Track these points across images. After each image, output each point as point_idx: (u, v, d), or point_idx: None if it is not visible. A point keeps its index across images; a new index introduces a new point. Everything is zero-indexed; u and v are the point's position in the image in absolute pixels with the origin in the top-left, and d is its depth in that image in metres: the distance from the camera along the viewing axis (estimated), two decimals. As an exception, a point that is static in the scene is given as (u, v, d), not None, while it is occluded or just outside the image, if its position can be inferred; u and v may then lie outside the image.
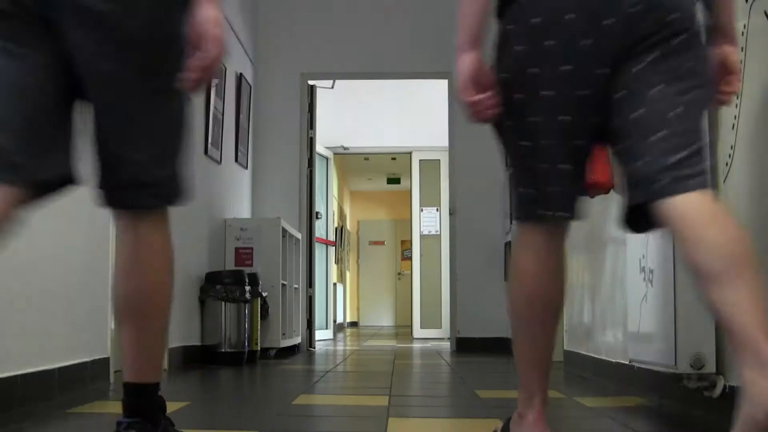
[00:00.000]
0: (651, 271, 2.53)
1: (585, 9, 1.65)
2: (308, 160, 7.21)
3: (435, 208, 9.90)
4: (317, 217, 7.59)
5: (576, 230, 4.57)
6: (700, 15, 1.68)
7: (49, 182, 1.61)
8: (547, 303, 1.82)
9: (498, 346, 6.91)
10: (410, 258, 10.52)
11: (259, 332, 5.37)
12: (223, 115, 5.76)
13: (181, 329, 4.72)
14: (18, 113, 1.56)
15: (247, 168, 6.79)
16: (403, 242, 15.83)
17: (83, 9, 1.53)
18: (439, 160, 9.75)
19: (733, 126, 2.20)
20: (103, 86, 1.60)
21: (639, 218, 1.71)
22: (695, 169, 1.64)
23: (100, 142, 1.64)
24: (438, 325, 9.70)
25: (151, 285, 1.74)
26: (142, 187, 1.68)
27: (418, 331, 9.90)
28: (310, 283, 7.25)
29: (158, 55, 1.61)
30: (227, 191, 6.05)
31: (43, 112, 1.58)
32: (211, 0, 1.61)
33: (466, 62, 1.76)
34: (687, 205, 1.59)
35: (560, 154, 1.78)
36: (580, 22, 1.65)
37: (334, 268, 10.95)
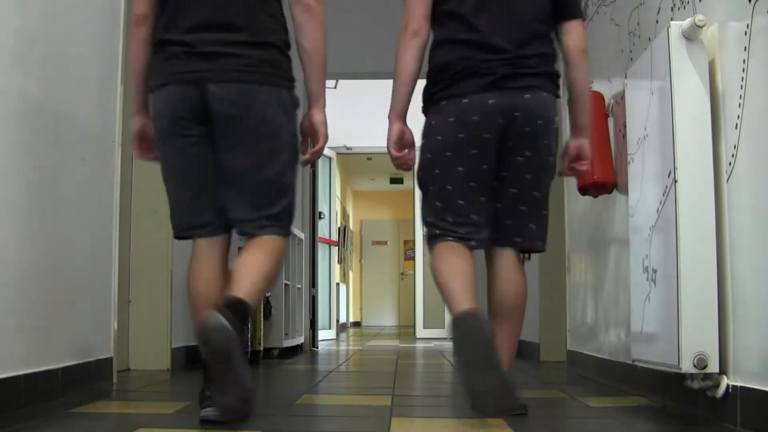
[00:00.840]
0: (654, 271, 2.53)
1: (488, 113, 2.46)
2: (311, 160, 7.16)
3: (438, 208, 9.88)
4: (320, 217, 7.59)
5: (579, 230, 4.60)
6: (555, 123, 2.57)
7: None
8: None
9: (501, 346, 6.91)
10: (413, 258, 10.52)
11: (262, 332, 5.37)
12: (225, 115, 5.76)
13: (184, 329, 4.72)
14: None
15: (249, 168, 6.77)
16: (405, 242, 15.84)
17: (221, 115, 2.32)
18: None
19: (736, 126, 2.20)
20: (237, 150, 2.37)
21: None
22: (538, 235, 2.61)
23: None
24: (441, 325, 9.70)
25: (266, 262, 2.34)
26: (265, 209, 2.40)
27: (420, 331, 9.90)
28: (313, 283, 7.25)
29: (266, 131, 2.36)
30: (230, 191, 6.04)
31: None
32: (322, 107, 2.51)
33: (393, 130, 2.62)
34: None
35: (472, 189, 2.55)
36: (484, 122, 2.47)
37: (337, 268, 10.95)
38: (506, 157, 2.51)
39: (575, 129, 2.68)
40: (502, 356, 2.36)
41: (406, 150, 2.65)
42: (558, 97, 2.59)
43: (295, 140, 2.46)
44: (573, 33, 2.58)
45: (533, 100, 2.49)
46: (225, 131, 2.33)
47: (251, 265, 2.30)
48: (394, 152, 2.63)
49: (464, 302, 2.35)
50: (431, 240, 2.60)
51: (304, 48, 2.48)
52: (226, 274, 2.40)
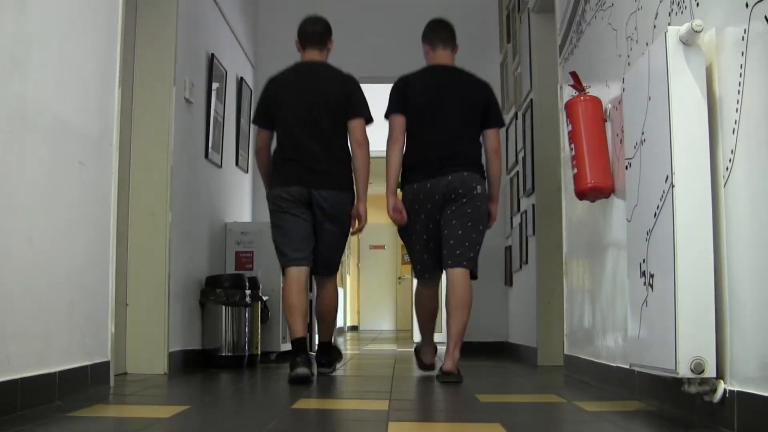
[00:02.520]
0: (651, 276, 2.53)
1: (427, 192, 4.10)
2: (309, 164, 7.18)
3: (435, 212, 9.86)
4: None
5: (577, 235, 4.60)
6: (478, 190, 4.10)
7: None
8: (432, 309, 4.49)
9: (498, 351, 6.91)
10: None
11: (259, 336, 5.37)
12: (223, 118, 5.76)
13: (182, 333, 4.72)
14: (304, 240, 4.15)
15: (247, 172, 6.79)
16: (403, 246, 15.80)
17: (319, 206, 4.10)
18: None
19: (733, 131, 2.21)
20: (322, 226, 4.16)
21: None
22: (466, 259, 4.12)
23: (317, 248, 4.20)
24: (438, 330, 9.67)
25: (331, 304, 4.37)
26: (328, 266, 4.27)
27: (418, 336, 9.86)
28: (310, 287, 7.22)
29: (341, 219, 4.18)
30: (228, 195, 6.05)
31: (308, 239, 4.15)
32: (364, 202, 4.18)
33: (389, 203, 4.18)
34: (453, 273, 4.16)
35: (428, 244, 4.23)
36: (426, 198, 4.12)
37: (334, 272, 10.89)
38: (444, 219, 4.13)
39: (489, 196, 4.27)
40: (452, 343, 4.21)
41: (400, 213, 4.18)
42: (483, 176, 4.19)
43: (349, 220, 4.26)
44: (489, 138, 4.24)
45: (454, 179, 4.08)
46: (322, 215, 4.13)
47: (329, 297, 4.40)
48: (392, 216, 4.20)
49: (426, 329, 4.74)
50: (415, 275, 4.48)
51: (356, 167, 4.18)
52: (306, 287, 4.14)
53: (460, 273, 4.10)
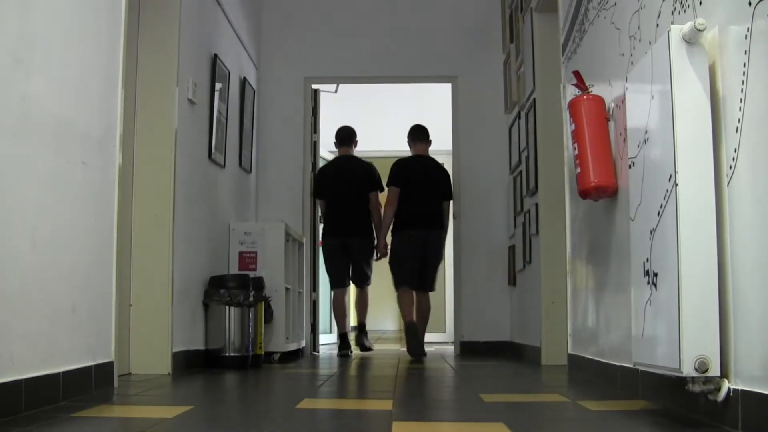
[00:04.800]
0: (655, 275, 2.53)
1: (415, 239, 6.51)
2: (312, 164, 7.22)
3: (439, 212, 9.85)
4: (321, 221, 7.58)
5: (580, 234, 4.58)
6: (439, 238, 6.71)
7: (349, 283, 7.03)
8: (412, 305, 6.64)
9: (502, 350, 6.90)
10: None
11: (263, 336, 5.37)
12: (226, 119, 5.77)
13: (185, 333, 4.72)
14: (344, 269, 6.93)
15: (250, 172, 6.79)
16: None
17: (351, 246, 6.79)
18: (442, 163, 9.73)
19: (736, 129, 2.20)
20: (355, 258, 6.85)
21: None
22: (432, 285, 6.71)
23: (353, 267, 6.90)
24: (442, 329, 9.68)
25: (365, 301, 7.08)
26: (363, 279, 6.94)
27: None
28: (314, 287, 7.24)
29: (366, 252, 6.87)
30: (231, 195, 6.05)
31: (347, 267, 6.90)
32: (383, 240, 6.76)
33: (380, 248, 6.82)
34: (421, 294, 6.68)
35: (413, 269, 6.55)
36: (414, 241, 6.53)
37: (337, 272, 10.89)
38: (423, 258, 6.45)
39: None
40: (420, 332, 6.38)
41: (385, 251, 6.73)
42: (445, 232, 6.71)
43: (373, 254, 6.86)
44: (445, 206, 6.64)
45: (433, 234, 6.49)
46: (354, 252, 6.73)
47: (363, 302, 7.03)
48: (381, 256, 6.79)
49: (409, 316, 6.45)
50: (398, 286, 6.53)
51: (375, 222, 6.74)
52: (346, 302, 6.97)
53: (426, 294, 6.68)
